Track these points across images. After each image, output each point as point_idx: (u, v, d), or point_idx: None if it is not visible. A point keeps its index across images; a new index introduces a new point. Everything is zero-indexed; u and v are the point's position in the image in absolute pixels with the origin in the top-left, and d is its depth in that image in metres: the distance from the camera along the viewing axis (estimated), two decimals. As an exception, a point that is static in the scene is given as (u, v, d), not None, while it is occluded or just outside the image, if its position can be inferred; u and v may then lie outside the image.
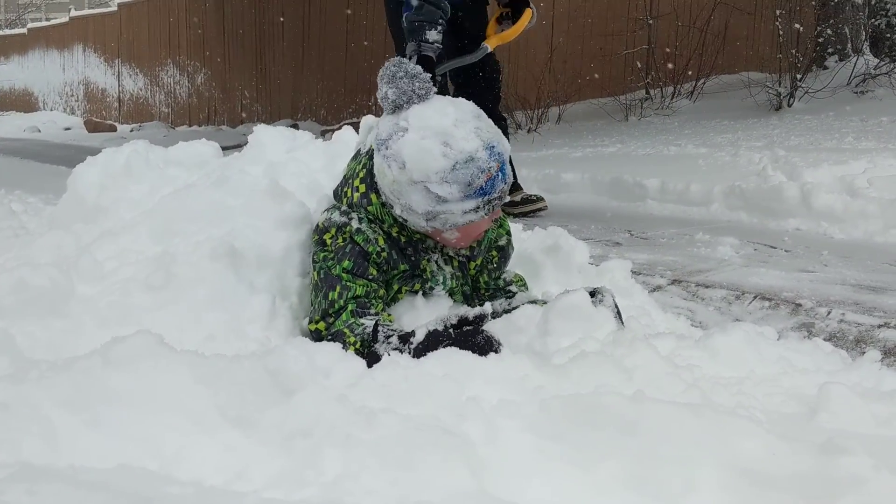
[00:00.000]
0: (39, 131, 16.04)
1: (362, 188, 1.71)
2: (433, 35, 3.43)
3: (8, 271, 1.58)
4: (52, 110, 20.22)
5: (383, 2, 4.13)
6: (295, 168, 1.90)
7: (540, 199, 4.18)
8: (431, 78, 3.79)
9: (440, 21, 3.44)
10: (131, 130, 14.54)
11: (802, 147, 5.28)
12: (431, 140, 1.54)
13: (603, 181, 4.67)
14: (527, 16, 3.83)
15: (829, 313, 2.29)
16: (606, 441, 1.03)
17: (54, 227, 2.08)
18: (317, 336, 1.63)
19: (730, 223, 3.84)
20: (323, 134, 10.28)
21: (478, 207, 1.58)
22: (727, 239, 3.29)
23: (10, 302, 1.52)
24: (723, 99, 8.33)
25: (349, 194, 1.73)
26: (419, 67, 1.66)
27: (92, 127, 15.55)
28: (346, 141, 2.02)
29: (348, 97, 10.96)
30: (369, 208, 1.69)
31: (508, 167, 1.64)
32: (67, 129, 16.47)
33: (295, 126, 11.86)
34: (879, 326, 2.17)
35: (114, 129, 15.44)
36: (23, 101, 21.70)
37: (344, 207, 1.72)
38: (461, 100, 1.66)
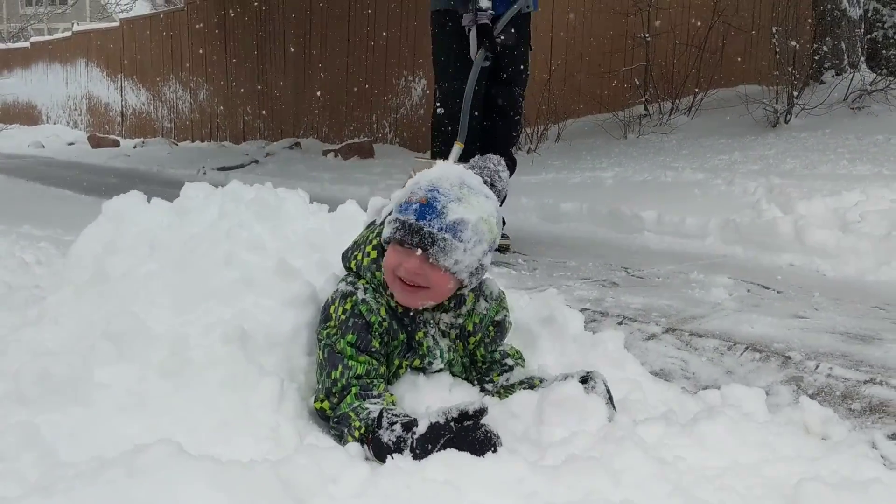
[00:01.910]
0: (43, 146, 16.17)
1: (373, 254, 1.80)
2: (485, 2, 3.79)
3: (31, 360, 1.67)
4: (55, 124, 20.37)
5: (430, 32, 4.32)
6: (302, 248, 1.98)
7: None
8: (492, 44, 4.06)
9: None
10: (135, 147, 14.65)
11: (797, 172, 5.37)
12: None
13: (601, 212, 4.76)
14: None
15: (817, 367, 2.37)
16: (595, 550, 1.11)
17: (67, 298, 2.14)
18: (322, 414, 1.72)
19: (725, 258, 3.93)
20: (324, 154, 10.39)
21: (394, 223, 1.71)
22: (721, 279, 3.37)
23: (34, 392, 1.61)
24: (720, 115, 8.41)
25: (359, 258, 1.83)
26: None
27: (95, 142, 15.66)
28: (352, 215, 2.11)
29: (350, 115, 11.05)
30: (377, 273, 1.78)
31: (447, 232, 1.66)
32: (71, 143, 16.60)
33: (297, 145, 11.85)
34: (865, 382, 2.25)
35: (117, 144, 15.55)
36: (26, 115, 21.87)
37: (351, 278, 1.82)
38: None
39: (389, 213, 1.76)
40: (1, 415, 1.60)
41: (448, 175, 1.74)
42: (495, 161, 1.88)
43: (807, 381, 2.32)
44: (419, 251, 1.66)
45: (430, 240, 1.66)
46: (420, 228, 1.66)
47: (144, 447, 1.27)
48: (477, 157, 1.89)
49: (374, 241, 1.82)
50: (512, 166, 4.46)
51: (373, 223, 1.91)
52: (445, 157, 4.08)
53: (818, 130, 7.23)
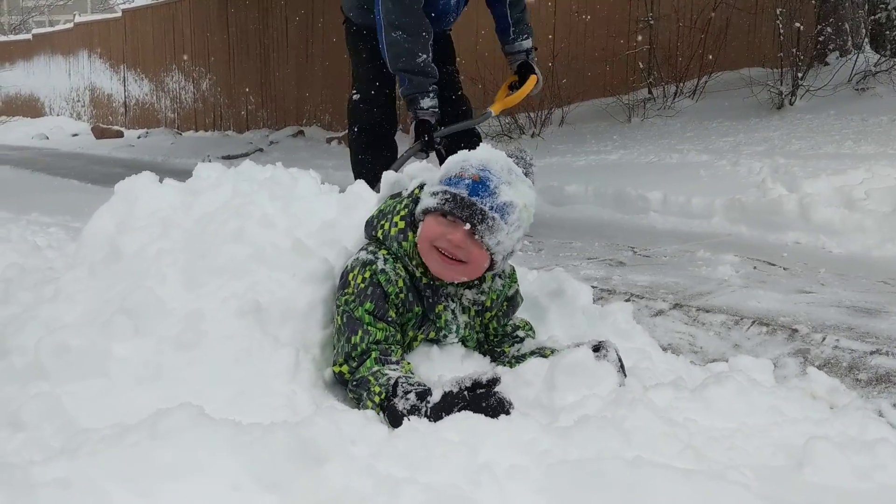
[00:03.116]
0: (47, 138, 16.21)
1: (401, 224, 1.82)
2: (427, 102, 3.60)
3: (50, 334, 1.70)
4: (58, 116, 20.39)
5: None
6: (314, 226, 2.00)
7: None
8: (429, 141, 3.79)
9: (431, 87, 3.58)
10: (139, 137, 14.68)
11: (802, 153, 5.36)
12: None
13: (606, 193, 4.77)
14: (531, 82, 3.95)
15: (823, 339, 2.39)
16: (608, 505, 1.14)
17: (82, 276, 2.16)
18: (340, 378, 1.74)
19: (730, 237, 3.94)
20: (328, 142, 10.39)
21: (442, 194, 1.71)
22: (727, 257, 3.39)
23: (54, 364, 1.64)
24: (725, 97, 8.37)
25: (386, 227, 1.84)
26: None
27: (99, 133, 15.69)
28: (360, 193, 2.13)
29: (353, 102, 11.02)
30: (404, 244, 1.80)
31: (497, 212, 1.70)
32: (75, 135, 16.63)
33: (301, 133, 11.82)
34: (871, 353, 2.27)
35: (121, 135, 15.57)
36: (29, 107, 21.88)
37: (372, 247, 1.83)
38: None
39: (419, 187, 1.77)
40: (22, 387, 1.63)
41: (497, 158, 1.77)
42: (529, 156, 1.91)
43: (814, 353, 2.34)
44: (467, 225, 1.70)
45: (480, 216, 1.69)
46: (472, 204, 1.69)
47: (166, 411, 1.29)
48: (514, 147, 1.92)
49: (403, 213, 1.83)
50: (478, 141, 4.42)
51: (398, 195, 1.93)
52: (367, 140, 4.03)
53: (823, 112, 7.20)
